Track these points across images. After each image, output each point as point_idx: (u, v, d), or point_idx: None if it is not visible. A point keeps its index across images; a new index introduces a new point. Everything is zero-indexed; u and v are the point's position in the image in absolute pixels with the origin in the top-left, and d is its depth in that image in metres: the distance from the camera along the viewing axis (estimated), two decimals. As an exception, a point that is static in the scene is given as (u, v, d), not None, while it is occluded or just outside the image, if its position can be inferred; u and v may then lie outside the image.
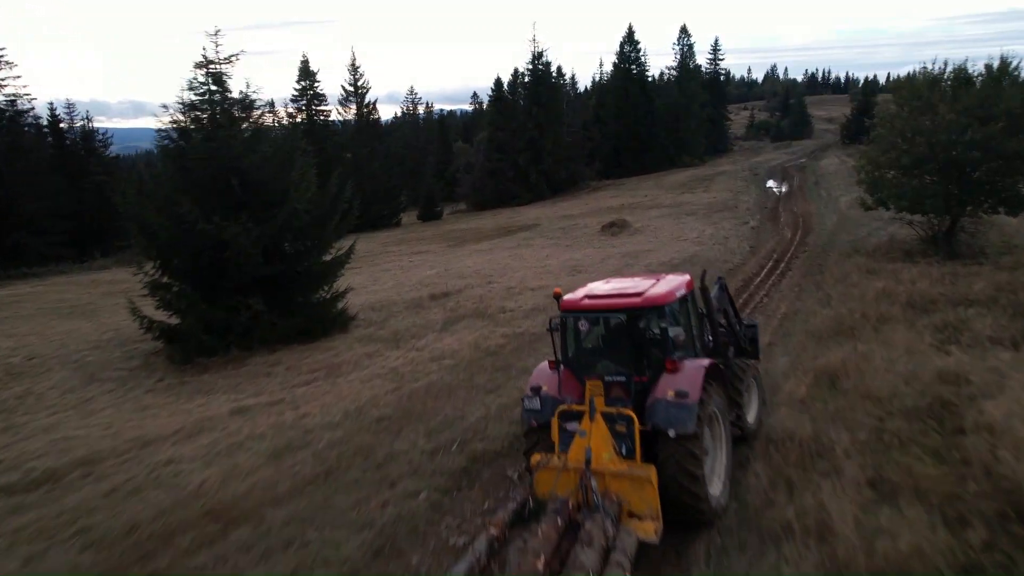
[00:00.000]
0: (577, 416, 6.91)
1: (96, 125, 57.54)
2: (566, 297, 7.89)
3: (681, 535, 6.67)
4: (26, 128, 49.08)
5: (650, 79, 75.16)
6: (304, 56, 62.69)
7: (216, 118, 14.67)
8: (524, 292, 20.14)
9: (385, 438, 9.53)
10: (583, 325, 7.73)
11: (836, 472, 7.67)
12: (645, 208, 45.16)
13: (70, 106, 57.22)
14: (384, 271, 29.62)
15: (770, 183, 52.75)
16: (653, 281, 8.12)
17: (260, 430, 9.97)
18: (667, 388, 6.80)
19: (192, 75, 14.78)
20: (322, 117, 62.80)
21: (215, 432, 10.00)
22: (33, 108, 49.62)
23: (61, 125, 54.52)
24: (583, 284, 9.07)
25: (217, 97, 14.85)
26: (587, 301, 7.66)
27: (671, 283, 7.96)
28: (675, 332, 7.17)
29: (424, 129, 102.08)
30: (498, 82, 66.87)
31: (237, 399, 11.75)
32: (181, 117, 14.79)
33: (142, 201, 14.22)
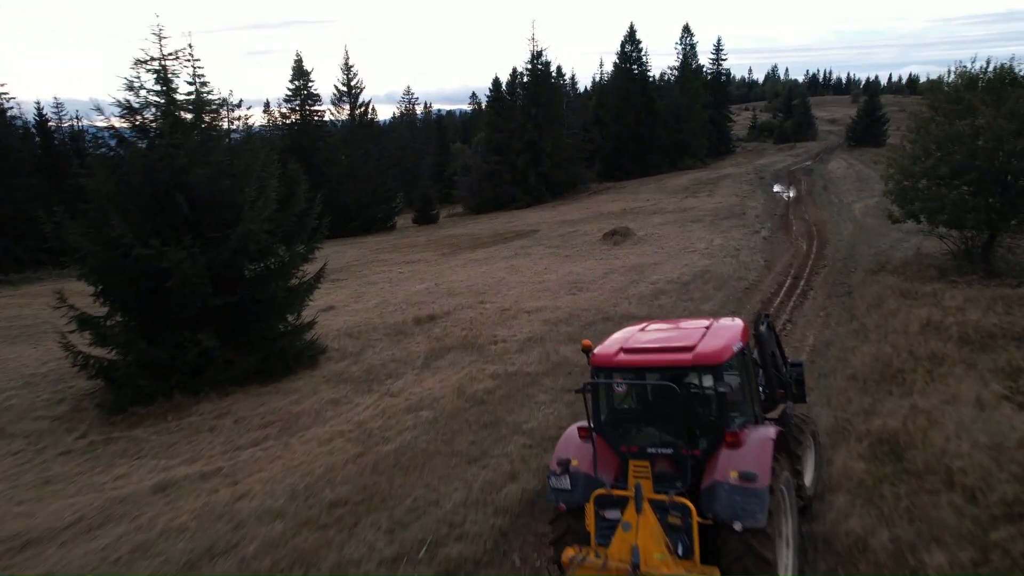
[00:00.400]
0: (618, 502, 5.72)
1: (90, 124, 55.39)
2: (597, 350, 6.48)
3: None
4: (13, 127, 47.03)
5: (651, 79, 73.18)
6: (298, 54, 60.71)
7: (156, 124, 12.59)
8: (519, 316, 18.10)
9: (336, 536, 7.49)
10: (619, 386, 6.44)
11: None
12: (648, 214, 43.13)
13: (59, 105, 55.22)
14: (371, 284, 27.60)
15: (777, 187, 50.73)
16: (702, 329, 6.73)
17: (181, 519, 7.93)
18: (728, 467, 5.55)
19: (133, 73, 12.69)
20: (317, 118, 60.74)
21: (123, 523, 7.96)
22: (13, 107, 47.61)
23: (49, 124, 52.44)
24: (611, 331, 7.63)
25: (161, 99, 12.76)
26: (624, 356, 6.30)
27: (726, 334, 6.51)
28: (732, 393, 6.13)
29: (422, 130, 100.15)
30: (496, 82, 64.90)
31: (166, 467, 9.69)
32: (119, 121, 12.74)
33: (67, 220, 12.13)
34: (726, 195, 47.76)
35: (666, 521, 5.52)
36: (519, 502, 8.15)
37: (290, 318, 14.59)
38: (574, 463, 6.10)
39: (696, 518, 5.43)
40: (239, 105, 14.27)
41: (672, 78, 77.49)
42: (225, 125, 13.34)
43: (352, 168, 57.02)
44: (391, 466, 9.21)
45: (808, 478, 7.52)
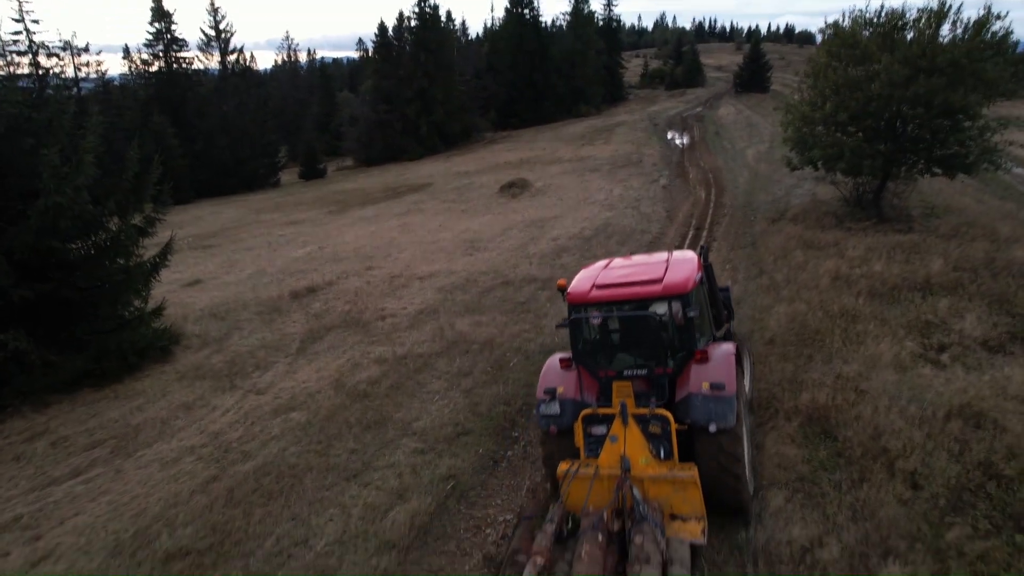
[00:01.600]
0: (603, 419, 6.50)
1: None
2: (572, 289, 7.22)
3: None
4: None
5: (544, 25, 71.15)
6: (155, -8, 53.58)
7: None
8: (410, 283, 16.40)
9: (168, 609, 5.77)
10: (595, 319, 7.12)
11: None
12: (545, 163, 41.92)
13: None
14: (247, 250, 24.75)
15: (671, 134, 50.86)
16: (663, 263, 7.60)
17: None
18: (700, 380, 6.41)
19: None
20: (185, 65, 54.40)
21: None
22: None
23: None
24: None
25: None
26: (597, 292, 7.05)
27: (686, 266, 7.36)
28: (697, 317, 6.92)
29: (306, 79, 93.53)
30: (382, 27, 60.77)
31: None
32: None
33: None
34: (622, 143, 47.31)
35: (648, 431, 6.31)
36: (409, 530, 6.71)
37: (136, 304, 12.15)
38: (560, 390, 6.79)
39: (674, 426, 6.30)
40: (86, 49, 11.31)
41: (564, 24, 75.77)
42: (71, 72, 10.44)
43: (227, 120, 51.84)
44: (250, 492, 7.48)
45: (747, 387, 8.31)
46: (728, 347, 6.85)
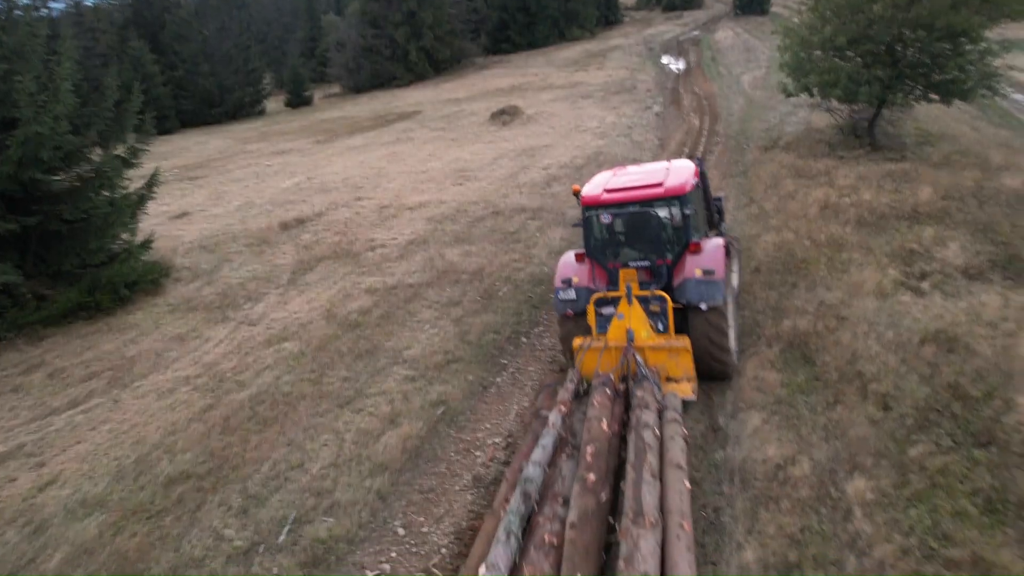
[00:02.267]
0: (611, 302, 7.64)
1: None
2: (585, 193, 8.22)
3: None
4: None
5: (535, -61, 67.84)
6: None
7: None
8: (400, 214, 16.33)
9: (173, 527, 6.06)
10: (606, 218, 8.13)
11: (861, 553, 5.13)
12: (537, 90, 40.96)
13: None
14: (234, 182, 24.44)
15: (666, 59, 49.46)
16: (664, 170, 8.62)
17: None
18: (694, 267, 7.51)
19: None
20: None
21: None
22: None
23: None
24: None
25: None
26: (607, 195, 8.08)
27: (684, 172, 8.40)
28: (694, 216, 8.00)
29: (288, 0, 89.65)
30: (365, -58, 57.89)
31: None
32: None
33: None
34: (616, 68, 46.10)
35: (648, 310, 7.49)
36: (401, 453, 6.98)
37: (124, 236, 12.10)
38: (575, 279, 7.95)
39: (671, 305, 7.49)
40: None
41: (557, -61, 72.25)
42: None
43: (208, 46, 49.97)
44: (246, 420, 7.72)
45: (736, 281, 9.36)
46: (718, 241, 8.00)
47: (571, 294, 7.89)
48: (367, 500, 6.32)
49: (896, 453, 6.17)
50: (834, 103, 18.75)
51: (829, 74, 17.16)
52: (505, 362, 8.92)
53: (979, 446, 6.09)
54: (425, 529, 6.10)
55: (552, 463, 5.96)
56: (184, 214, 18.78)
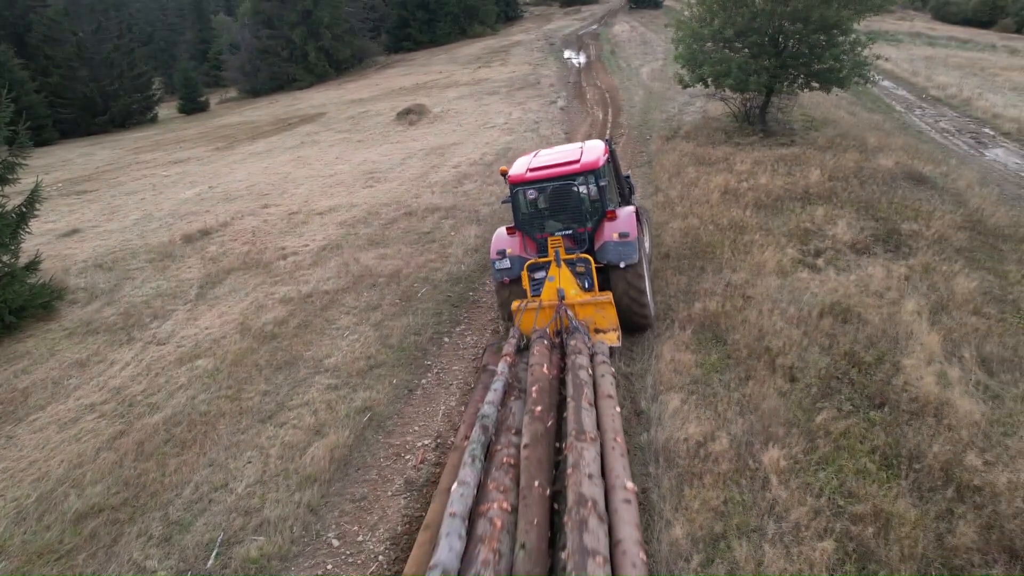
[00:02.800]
0: (542, 267, 8.70)
1: None
2: (511, 173, 9.16)
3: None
4: None
5: (432, -64, 67.41)
6: None
7: None
8: (310, 219, 15.93)
9: (88, 564, 5.72)
10: (531, 194, 9.21)
11: (779, 518, 5.50)
12: (442, 88, 40.82)
13: None
14: (129, 194, 23.04)
15: (567, 54, 50.40)
16: (578, 149, 9.62)
17: None
18: (612, 232, 8.54)
19: None
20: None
21: None
22: None
23: None
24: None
25: None
26: (531, 173, 9.02)
27: (596, 151, 9.36)
28: (607, 188, 9.09)
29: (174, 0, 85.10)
30: (254, -62, 55.78)
31: None
32: None
33: None
34: (519, 63, 46.59)
35: (575, 271, 8.55)
36: (329, 463, 6.86)
37: (4, 259, 11.19)
38: (509, 250, 8.85)
39: (594, 265, 8.59)
40: None
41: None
42: None
43: (85, 49, 46.64)
44: (162, 444, 7.36)
45: (648, 246, 10.26)
46: (631, 209, 9.17)
47: (506, 263, 8.84)
48: (297, 514, 6.18)
49: (804, 421, 6.63)
50: (727, 92, 19.73)
51: (721, 65, 18.05)
52: (429, 363, 8.91)
53: (874, 408, 6.64)
54: (360, 538, 6.04)
55: (503, 404, 6.86)
56: (74, 231, 17.57)
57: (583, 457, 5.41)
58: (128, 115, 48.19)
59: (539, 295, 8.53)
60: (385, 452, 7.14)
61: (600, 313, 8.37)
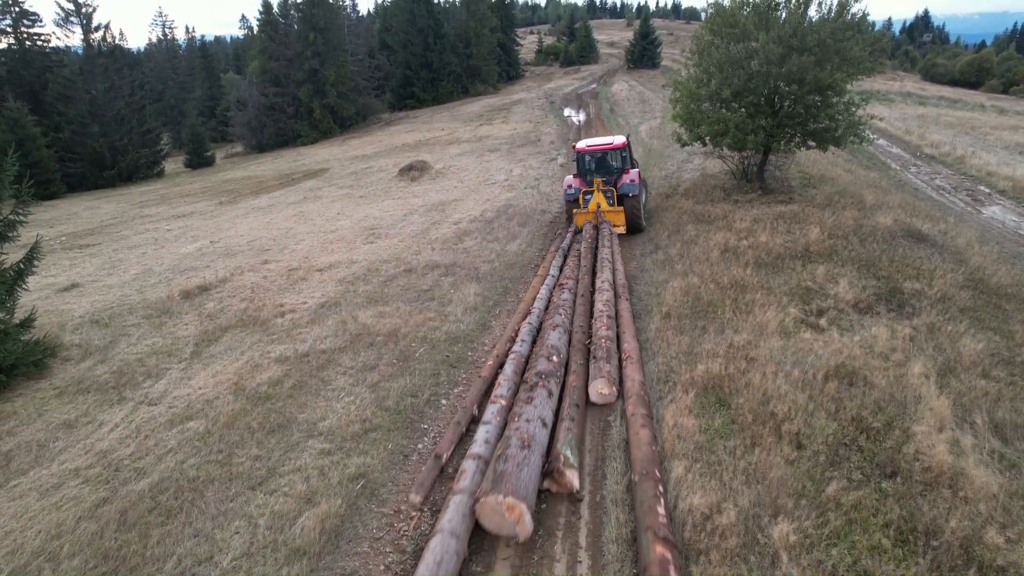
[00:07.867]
0: (589, 192, 18.19)
1: None
2: (578, 145, 19.17)
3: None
4: None
5: (436, 2, 69.96)
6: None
7: None
8: (310, 276, 15.88)
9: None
10: (588, 158, 18.96)
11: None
12: (444, 144, 41.56)
13: None
14: (130, 249, 23.11)
15: (568, 111, 51.55)
16: (612, 137, 19.63)
17: None
18: (626, 179, 17.98)
19: None
20: (41, 42, 49.63)
21: None
22: None
23: None
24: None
25: None
26: (588, 147, 19.00)
27: (621, 138, 19.23)
28: (628, 158, 18.98)
29: (186, 59, 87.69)
30: (266, 3, 57.86)
31: None
32: None
33: None
34: (520, 121, 47.57)
35: (606, 195, 18.00)
36: (320, 535, 6.55)
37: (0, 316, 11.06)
38: (574, 184, 18.65)
39: (615, 193, 17.99)
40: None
41: (457, 0, 74.78)
42: None
43: (97, 105, 47.70)
44: (146, 512, 7.07)
45: (645, 194, 19.18)
46: (636, 171, 18.46)
47: (571, 191, 18.54)
48: (286, 595, 5.87)
49: (814, 492, 6.36)
50: (725, 150, 19.99)
51: (718, 124, 18.34)
52: (426, 427, 8.67)
53: (886, 477, 6.39)
54: (349, 617, 5.72)
55: (563, 266, 14.73)
56: (74, 286, 17.50)
57: (602, 294, 11.87)
58: (135, 169, 48.96)
59: (587, 207, 17.98)
60: (378, 522, 6.85)
61: (617, 217, 17.64)
